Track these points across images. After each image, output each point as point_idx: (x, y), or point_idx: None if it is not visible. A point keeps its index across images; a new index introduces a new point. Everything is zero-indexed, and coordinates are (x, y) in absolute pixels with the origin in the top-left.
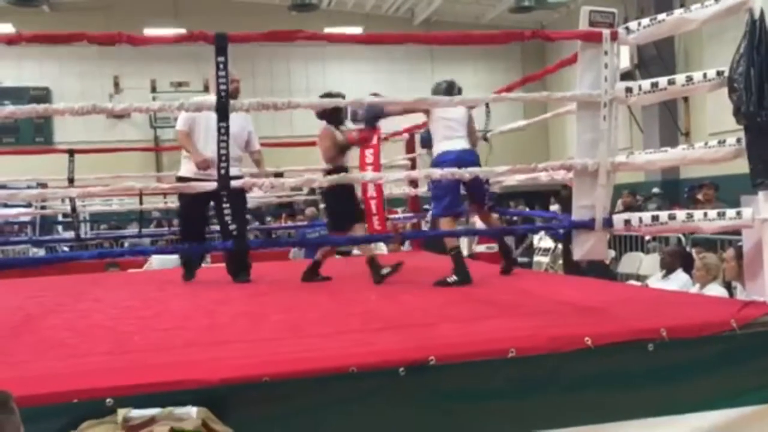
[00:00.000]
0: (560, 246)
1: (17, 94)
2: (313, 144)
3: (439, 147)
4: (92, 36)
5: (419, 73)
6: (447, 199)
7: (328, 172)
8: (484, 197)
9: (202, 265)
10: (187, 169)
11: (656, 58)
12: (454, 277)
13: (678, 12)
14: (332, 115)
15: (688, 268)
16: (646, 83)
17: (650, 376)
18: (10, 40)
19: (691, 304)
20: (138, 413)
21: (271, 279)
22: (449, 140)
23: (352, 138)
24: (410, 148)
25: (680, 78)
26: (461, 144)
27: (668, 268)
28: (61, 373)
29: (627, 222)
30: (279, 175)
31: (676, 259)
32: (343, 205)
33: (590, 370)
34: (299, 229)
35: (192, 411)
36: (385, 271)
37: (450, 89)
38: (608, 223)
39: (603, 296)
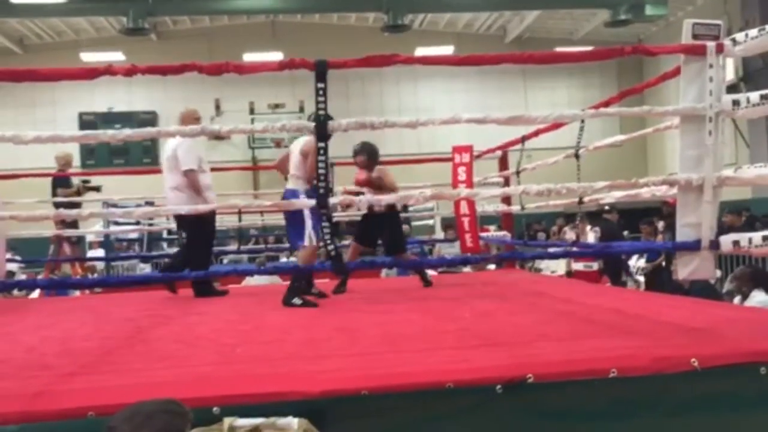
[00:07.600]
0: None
1: (127, 119)
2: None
3: None
4: (201, 66)
5: (511, 91)
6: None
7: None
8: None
9: None
10: None
11: (763, 71)
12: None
13: None
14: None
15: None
16: (754, 95)
17: (762, 401)
18: (128, 72)
19: None
20: (243, 422)
21: (365, 295)
22: None
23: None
24: (503, 165)
25: None
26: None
27: (742, 292)
28: (171, 381)
29: (736, 243)
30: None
31: (746, 281)
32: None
33: (696, 393)
34: None
35: (293, 422)
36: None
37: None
38: (715, 245)
39: (707, 317)
